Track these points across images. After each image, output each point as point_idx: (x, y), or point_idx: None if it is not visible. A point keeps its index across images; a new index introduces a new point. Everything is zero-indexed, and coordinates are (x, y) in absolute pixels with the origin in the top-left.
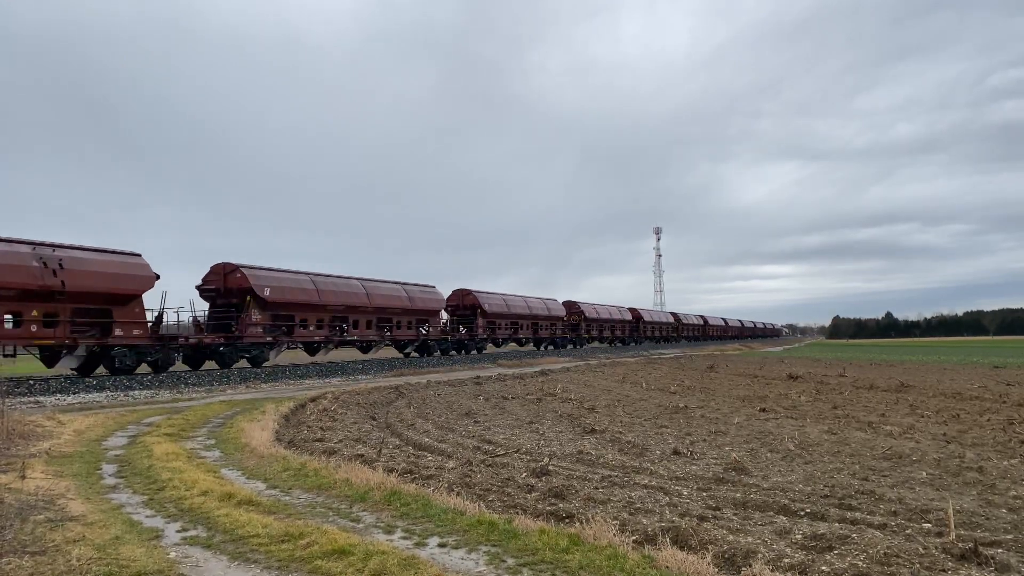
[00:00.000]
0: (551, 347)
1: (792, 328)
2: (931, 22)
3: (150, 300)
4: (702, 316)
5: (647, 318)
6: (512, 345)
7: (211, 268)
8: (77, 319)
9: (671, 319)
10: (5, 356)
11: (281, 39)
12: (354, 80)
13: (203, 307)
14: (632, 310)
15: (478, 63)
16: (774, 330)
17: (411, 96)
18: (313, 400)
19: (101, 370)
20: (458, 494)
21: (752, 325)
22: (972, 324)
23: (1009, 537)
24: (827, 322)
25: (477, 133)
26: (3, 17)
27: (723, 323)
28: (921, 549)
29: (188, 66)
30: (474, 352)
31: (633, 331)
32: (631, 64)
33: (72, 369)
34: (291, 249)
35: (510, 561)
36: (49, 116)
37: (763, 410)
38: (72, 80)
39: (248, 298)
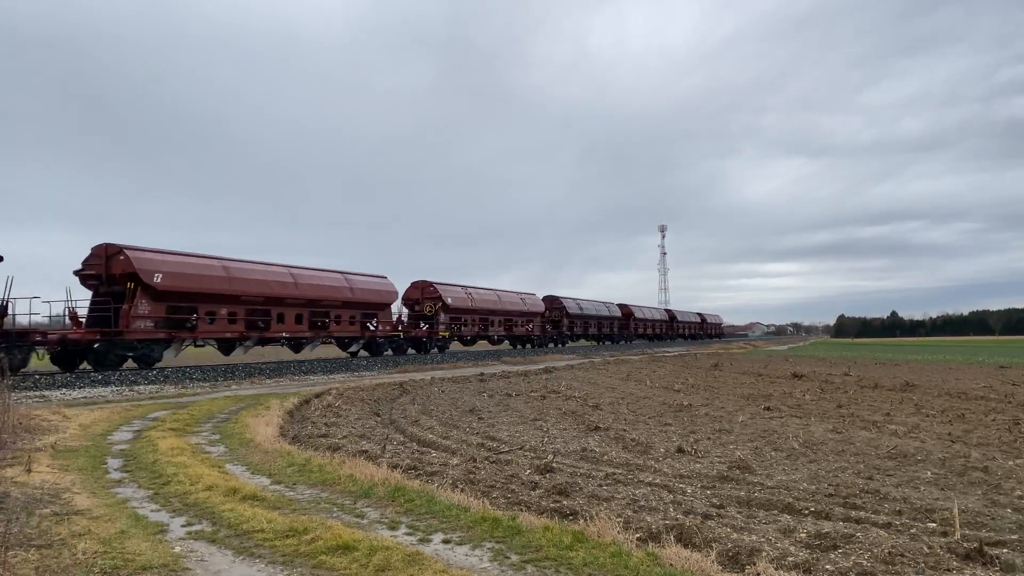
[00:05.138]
0: (608, 341)
1: (796, 327)
2: (938, 17)
3: None
4: (718, 315)
5: (680, 318)
6: (582, 341)
7: (411, 284)
8: (362, 320)
9: (698, 319)
10: (322, 343)
11: (276, 33)
12: (351, 73)
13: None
14: (668, 311)
15: (477, 57)
16: (778, 328)
17: (409, 90)
18: (317, 396)
19: (108, 364)
20: (462, 490)
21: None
22: (978, 324)
23: (1014, 537)
24: (832, 321)
25: (477, 128)
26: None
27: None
28: (926, 548)
29: (183, 61)
30: (559, 346)
31: (668, 329)
32: (633, 58)
33: (350, 352)
34: (288, 244)
35: (514, 558)
36: (44, 111)
37: (767, 409)
38: (68, 76)
39: (439, 305)
